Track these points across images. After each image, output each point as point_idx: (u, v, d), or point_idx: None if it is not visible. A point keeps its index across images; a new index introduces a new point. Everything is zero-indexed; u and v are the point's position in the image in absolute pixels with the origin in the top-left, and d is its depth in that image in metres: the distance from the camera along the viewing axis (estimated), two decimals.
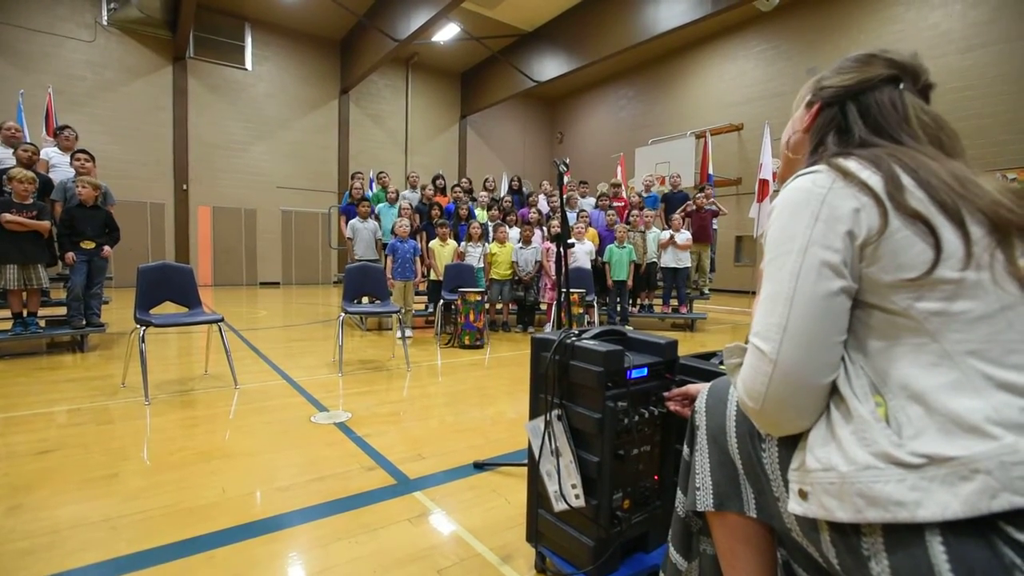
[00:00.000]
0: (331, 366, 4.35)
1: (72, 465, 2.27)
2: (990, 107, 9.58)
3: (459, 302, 5.45)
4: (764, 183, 8.45)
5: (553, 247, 6.37)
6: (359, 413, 3.09)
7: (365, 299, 5.32)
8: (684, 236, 6.82)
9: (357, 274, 4.67)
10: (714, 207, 7.55)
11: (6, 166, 4.98)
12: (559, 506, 1.39)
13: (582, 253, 6.55)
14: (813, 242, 0.75)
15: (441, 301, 5.97)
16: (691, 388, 1.28)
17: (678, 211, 7.34)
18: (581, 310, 5.99)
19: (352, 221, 6.50)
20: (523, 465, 2.29)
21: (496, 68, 15.49)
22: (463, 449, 2.56)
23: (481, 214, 7.50)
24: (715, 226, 7.89)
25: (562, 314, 2.19)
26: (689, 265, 6.96)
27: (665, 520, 1.48)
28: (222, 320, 3.63)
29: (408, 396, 3.54)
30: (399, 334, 4.81)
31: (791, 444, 0.82)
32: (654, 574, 1.45)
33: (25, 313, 4.59)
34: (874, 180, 0.74)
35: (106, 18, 11.99)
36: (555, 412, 1.42)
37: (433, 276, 6.42)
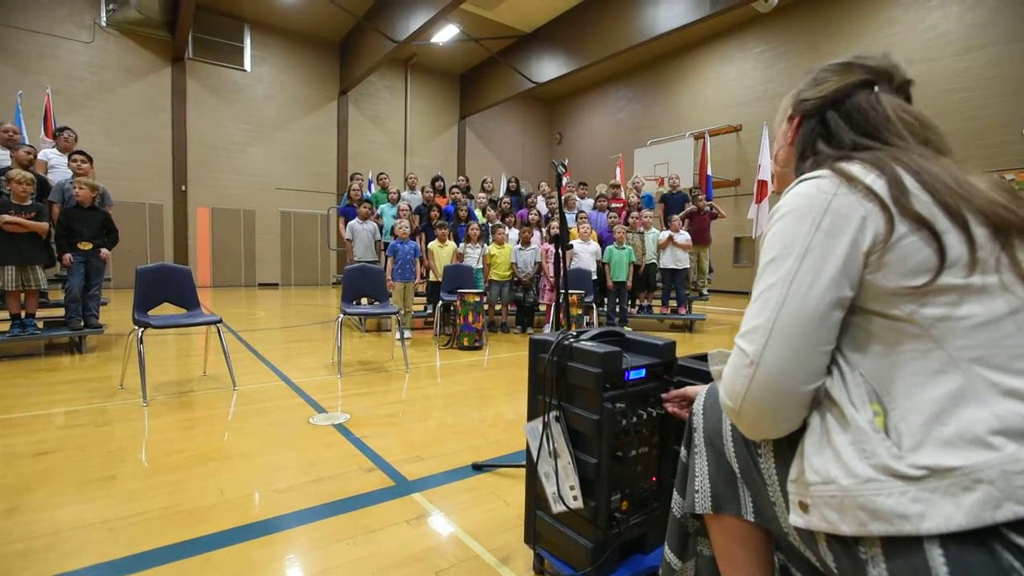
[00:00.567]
0: (330, 367, 4.34)
1: (70, 467, 2.27)
2: (988, 108, 9.60)
3: (458, 303, 5.45)
4: (763, 184, 8.44)
5: (552, 248, 6.37)
6: (358, 414, 3.09)
7: (364, 300, 5.32)
8: (683, 236, 6.84)
9: (356, 275, 4.67)
10: (712, 210, 7.57)
11: (4, 167, 4.97)
12: (557, 507, 1.39)
13: (587, 254, 6.56)
14: (811, 249, 0.74)
15: (440, 302, 5.97)
16: (689, 390, 1.28)
17: (681, 213, 7.39)
18: (580, 311, 5.99)
19: (351, 222, 6.50)
20: (522, 466, 2.29)
21: (495, 69, 15.50)
22: (462, 450, 2.56)
23: (480, 215, 7.51)
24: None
25: (561, 315, 2.19)
26: (688, 266, 6.97)
27: (663, 521, 1.48)
28: (221, 321, 3.62)
29: (407, 397, 3.53)
30: (398, 335, 4.81)
31: (787, 450, 0.82)
32: (651, 575, 1.45)
33: (23, 314, 4.58)
34: (878, 185, 0.73)
35: (105, 19, 11.98)
36: (553, 413, 1.42)
37: (432, 277, 6.42)
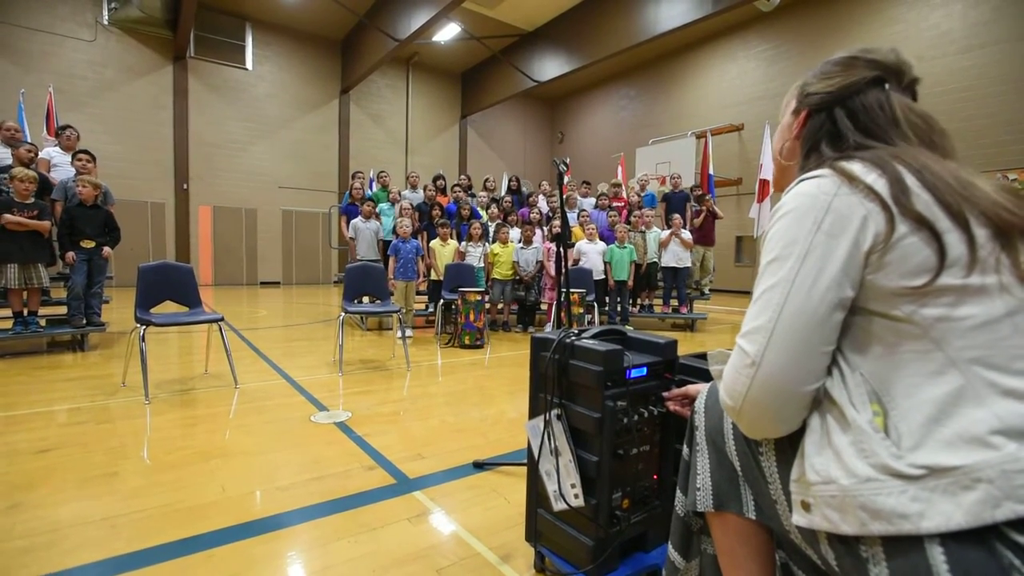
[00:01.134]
0: (331, 366, 4.35)
1: (72, 464, 2.27)
2: (990, 107, 9.57)
3: (459, 302, 5.45)
4: (764, 183, 8.43)
5: (554, 247, 6.37)
6: (359, 413, 3.09)
7: (365, 299, 5.32)
8: (687, 234, 6.84)
9: (358, 274, 4.67)
10: (714, 210, 7.57)
11: (5, 165, 4.98)
12: (558, 505, 1.39)
13: (595, 253, 6.56)
14: (812, 249, 0.74)
15: (441, 301, 5.97)
16: (691, 388, 1.28)
17: (694, 215, 7.44)
18: (581, 310, 5.99)
19: (354, 221, 6.50)
20: (523, 465, 2.29)
21: (496, 68, 15.49)
22: (463, 449, 2.56)
23: (483, 213, 7.50)
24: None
25: (562, 314, 2.19)
26: (689, 265, 6.97)
27: (664, 519, 1.48)
28: (222, 319, 3.63)
29: (408, 396, 3.54)
30: (399, 334, 4.81)
31: (788, 449, 0.82)
32: (653, 574, 1.45)
33: (26, 312, 4.59)
34: (880, 184, 0.72)
35: (107, 17, 11.99)
36: (555, 411, 1.42)
37: (433, 276, 6.42)
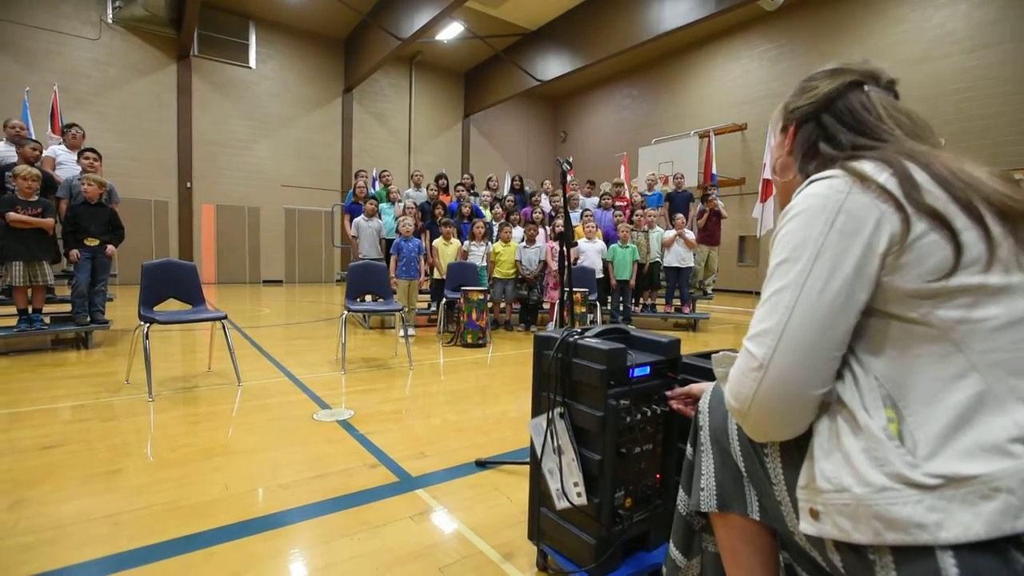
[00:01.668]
0: (334, 364, 4.35)
1: (75, 461, 2.28)
2: (995, 107, 9.53)
3: (462, 301, 5.45)
4: (768, 183, 8.41)
5: (557, 246, 6.37)
6: (362, 411, 3.09)
7: (368, 297, 5.33)
8: (690, 234, 6.84)
9: (360, 272, 4.68)
10: (719, 210, 7.55)
11: (10, 163, 5.00)
12: (561, 504, 1.39)
13: (593, 252, 6.56)
14: (824, 251, 0.72)
15: (444, 300, 5.97)
16: (694, 387, 1.28)
17: (698, 215, 7.42)
18: (584, 309, 5.99)
19: (357, 219, 6.51)
20: (525, 463, 2.29)
21: (499, 67, 15.48)
22: (465, 447, 2.56)
23: (486, 213, 7.50)
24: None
25: (564, 313, 2.19)
26: (692, 265, 6.96)
27: (667, 519, 1.48)
28: (225, 317, 3.63)
29: (411, 394, 3.54)
30: (402, 332, 4.81)
31: (795, 451, 0.81)
32: (655, 573, 1.44)
33: (30, 310, 4.61)
34: (891, 183, 0.71)
35: (111, 16, 12.02)
36: (558, 410, 1.41)
37: (436, 275, 6.42)
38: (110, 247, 4.82)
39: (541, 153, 19.60)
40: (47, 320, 4.84)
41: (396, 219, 6.63)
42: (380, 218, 6.70)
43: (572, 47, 12.95)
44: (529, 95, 17.46)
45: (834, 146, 0.86)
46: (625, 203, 7.87)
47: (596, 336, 1.47)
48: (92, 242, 4.68)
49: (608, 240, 7.05)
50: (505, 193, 8.47)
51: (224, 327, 3.63)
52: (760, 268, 12.85)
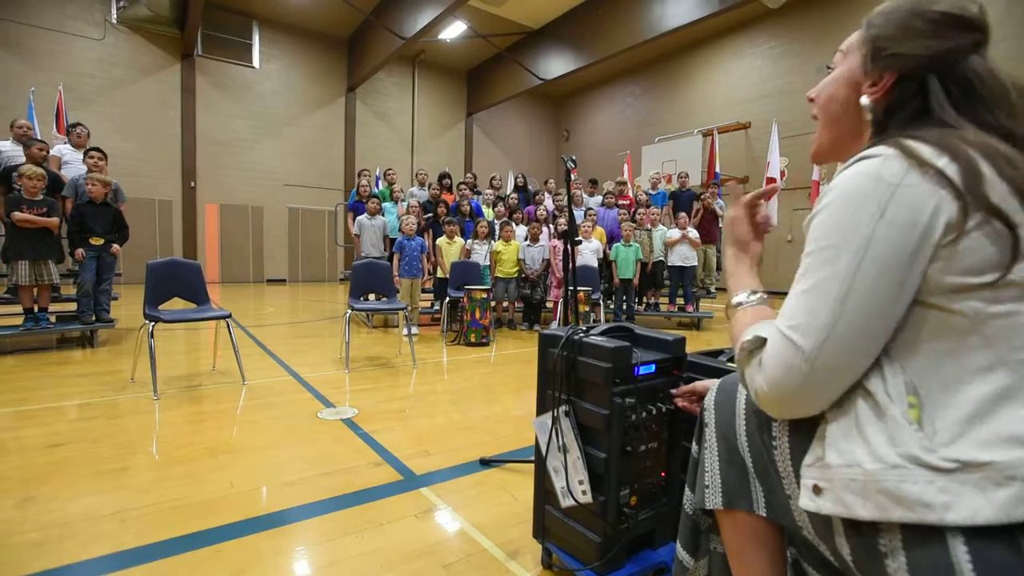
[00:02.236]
0: (338, 363, 4.36)
1: (82, 459, 2.29)
2: None
3: (465, 300, 5.45)
4: (771, 181, 8.41)
5: (560, 244, 6.36)
6: (365, 409, 3.10)
7: (372, 296, 5.33)
8: (694, 233, 6.82)
9: (364, 271, 4.68)
10: (714, 208, 7.47)
11: (17, 163, 5.03)
12: (566, 502, 1.39)
13: (588, 251, 6.54)
14: (875, 242, 0.67)
15: (447, 298, 5.98)
16: (699, 385, 1.27)
17: (692, 214, 7.37)
18: (587, 308, 5.98)
19: (360, 218, 6.52)
20: (529, 462, 2.29)
21: (502, 66, 15.47)
22: (469, 446, 2.56)
23: (488, 212, 7.50)
24: (721, 224, 7.87)
25: (568, 312, 2.18)
26: (696, 264, 6.94)
27: (672, 517, 1.48)
28: (230, 316, 3.65)
29: (414, 393, 3.54)
30: (405, 331, 4.82)
31: (804, 437, 0.80)
32: (660, 571, 1.44)
33: (36, 308, 4.63)
34: (951, 169, 0.66)
35: (115, 16, 12.06)
36: (563, 408, 1.41)
37: (440, 274, 6.42)
38: (115, 246, 4.85)
39: (544, 152, 19.58)
40: (53, 319, 4.87)
41: (399, 218, 6.63)
42: (384, 217, 6.71)
43: (575, 46, 12.93)
44: (532, 94, 17.44)
45: (913, 123, 0.75)
46: (629, 202, 7.86)
47: (601, 334, 1.47)
48: (97, 241, 4.70)
49: (612, 239, 7.04)
50: (509, 192, 8.46)
51: (228, 326, 3.64)
52: (764, 266, 12.78)
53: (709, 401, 1.02)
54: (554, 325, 6.48)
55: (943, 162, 0.66)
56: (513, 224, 6.80)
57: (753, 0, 9.38)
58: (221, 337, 4.34)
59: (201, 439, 2.56)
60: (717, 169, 9.53)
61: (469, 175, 8.65)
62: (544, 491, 1.53)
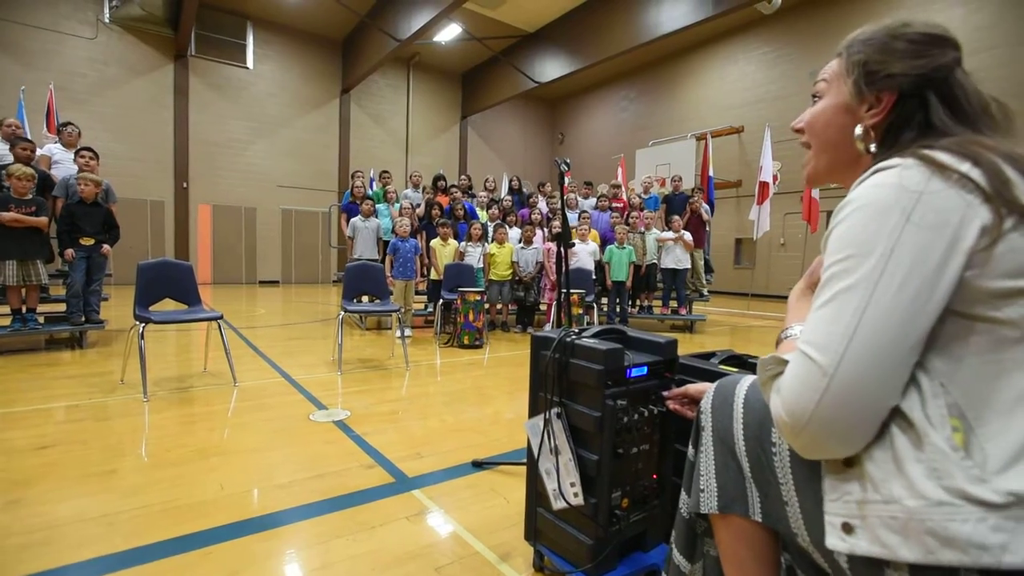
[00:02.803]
0: (330, 364, 4.34)
1: (70, 461, 2.27)
2: None
3: (459, 302, 5.45)
4: (764, 185, 8.47)
5: (554, 247, 6.37)
6: (358, 411, 3.09)
7: (365, 298, 5.32)
8: (687, 236, 6.84)
9: (357, 273, 4.67)
10: (700, 213, 7.46)
11: (5, 163, 4.98)
12: (558, 504, 1.39)
13: (585, 253, 6.56)
14: (900, 247, 0.63)
15: (441, 301, 5.97)
16: (691, 388, 1.27)
17: (683, 217, 7.37)
18: (581, 311, 5.99)
19: (353, 220, 6.50)
20: (521, 464, 2.29)
21: (497, 69, 15.50)
22: (462, 448, 2.56)
23: (482, 214, 7.51)
24: (708, 228, 7.84)
25: (561, 314, 2.19)
26: (689, 267, 6.97)
27: (663, 519, 1.48)
28: (221, 318, 3.62)
29: (407, 395, 3.53)
30: (398, 333, 4.81)
31: (813, 463, 0.76)
32: (651, 573, 1.45)
33: (24, 309, 4.59)
34: (975, 173, 0.63)
35: (108, 15, 11.98)
36: (554, 410, 1.42)
37: (433, 275, 6.42)
38: (105, 247, 4.80)
39: (539, 155, 19.62)
40: (41, 320, 4.82)
41: (393, 220, 6.62)
42: (377, 219, 6.69)
43: (570, 49, 12.98)
44: (527, 97, 17.49)
45: (922, 136, 0.75)
46: (622, 205, 7.88)
47: (593, 336, 1.48)
48: (87, 241, 4.66)
49: (605, 241, 7.06)
50: (503, 194, 8.47)
51: (220, 327, 3.62)
52: (756, 270, 12.90)
53: (706, 404, 1.01)
54: (547, 327, 6.49)
55: (966, 167, 0.64)
56: (507, 227, 6.81)
57: (747, 6, 9.44)
58: (212, 339, 4.31)
59: (192, 441, 2.54)
60: (710, 173, 9.57)
61: (464, 177, 8.65)
62: (536, 493, 1.53)
